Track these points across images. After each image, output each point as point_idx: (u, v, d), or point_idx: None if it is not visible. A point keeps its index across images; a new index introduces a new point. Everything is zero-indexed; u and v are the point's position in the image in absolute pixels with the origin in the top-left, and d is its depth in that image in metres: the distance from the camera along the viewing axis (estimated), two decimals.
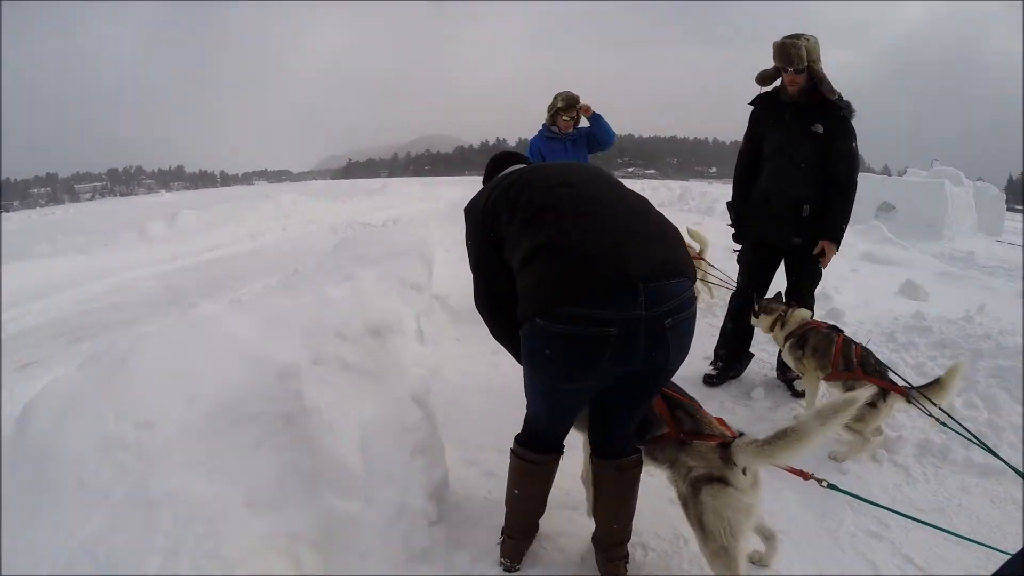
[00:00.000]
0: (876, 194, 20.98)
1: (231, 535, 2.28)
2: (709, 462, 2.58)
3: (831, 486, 2.65)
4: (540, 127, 6.28)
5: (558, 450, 2.81)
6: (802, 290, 4.71)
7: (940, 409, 3.65)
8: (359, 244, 8.30)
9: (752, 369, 5.20)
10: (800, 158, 4.40)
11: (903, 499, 3.55)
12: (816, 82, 4.26)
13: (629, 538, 2.84)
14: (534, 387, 2.62)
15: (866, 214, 19.19)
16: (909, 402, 3.75)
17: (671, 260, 2.35)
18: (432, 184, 37.04)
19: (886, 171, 76.33)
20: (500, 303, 2.69)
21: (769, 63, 4.39)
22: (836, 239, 4.40)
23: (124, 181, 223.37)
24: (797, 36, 4.19)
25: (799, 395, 4.66)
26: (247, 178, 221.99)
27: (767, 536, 2.92)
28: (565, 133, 6.11)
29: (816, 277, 4.71)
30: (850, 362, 3.99)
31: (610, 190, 2.59)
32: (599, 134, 6.17)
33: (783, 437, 2.41)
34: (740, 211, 4.88)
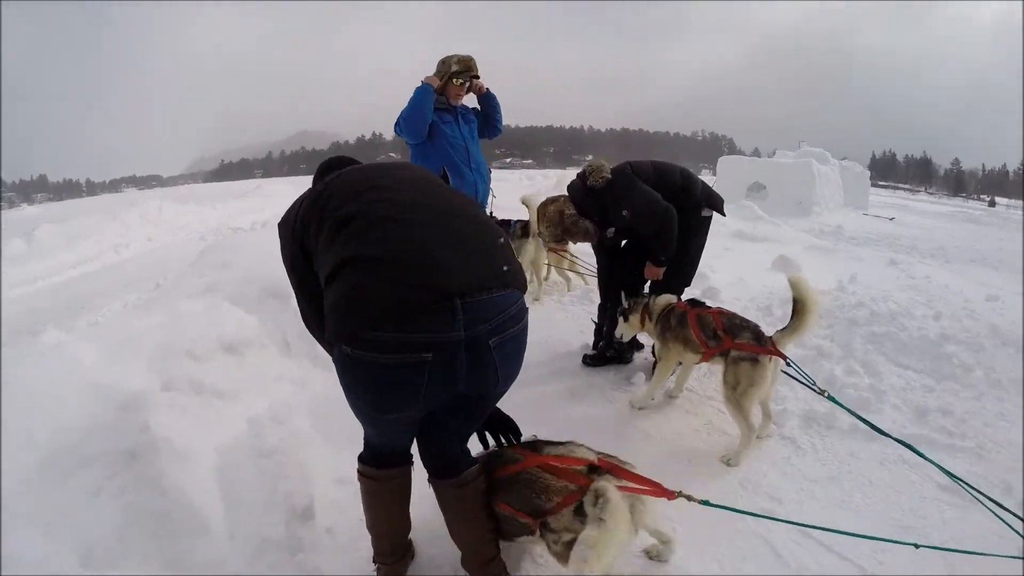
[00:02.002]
0: (746, 175, 22.00)
1: None
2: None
3: (704, 502, 2.51)
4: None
5: (402, 463, 2.55)
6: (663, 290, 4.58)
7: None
8: (223, 251, 7.84)
9: (641, 353, 5.08)
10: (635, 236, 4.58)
11: (793, 471, 3.48)
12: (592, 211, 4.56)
13: (496, 552, 2.57)
14: (356, 413, 2.32)
15: (738, 194, 19.95)
16: (788, 362, 3.59)
17: (494, 270, 2.12)
18: (307, 184, 35.99)
19: (756, 153, 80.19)
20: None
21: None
22: (656, 262, 4.43)
23: None
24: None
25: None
26: (115, 185, 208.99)
27: (663, 540, 2.79)
28: (454, 105, 5.23)
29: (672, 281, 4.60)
30: (713, 333, 3.74)
31: (430, 194, 2.31)
32: (494, 115, 5.48)
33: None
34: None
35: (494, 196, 6.80)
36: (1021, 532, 2.60)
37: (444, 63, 5.12)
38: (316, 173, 2.68)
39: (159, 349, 3.87)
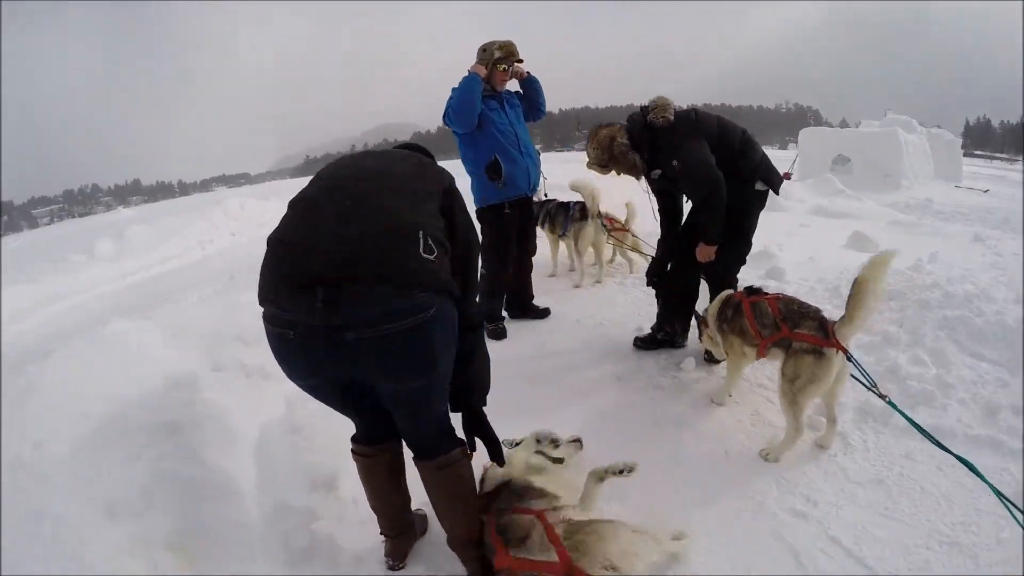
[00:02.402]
0: (830, 148, 21.08)
1: (91, 542, 2.48)
2: None
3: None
4: (456, 87, 5.20)
5: (386, 440, 2.61)
6: (715, 271, 4.49)
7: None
8: None
9: (690, 337, 4.89)
10: (675, 200, 4.58)
11: (837, 471, 3.20)
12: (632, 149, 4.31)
13: (479, 535, 2.61)
14: None
15: (821, 168, 19.23)
16: (848, 358, 3.17)
17: (373, 263, 2.03)
18: None
19: (844, 124, 76.80)
20: None
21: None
22: (707, 240, 4.22)
23: (81, 201, 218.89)
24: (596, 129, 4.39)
25: (713, 360, 4.45)
26: (206, 185, 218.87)
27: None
28: (499, 91, 5.24)
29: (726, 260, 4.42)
30: (771, 321, 3.46)
31: (356, 179, 2.30)
32: (537, 98, 5.48)
33: None
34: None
35: (545, 178, 6.78)
36: None
37: (486, 50, 5.10)
38: None
39: (213, 335, 4.31)
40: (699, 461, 3.39)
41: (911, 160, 19.36)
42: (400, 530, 2.77)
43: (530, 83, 5.41)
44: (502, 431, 3.24)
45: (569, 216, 6.74)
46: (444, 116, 5.12)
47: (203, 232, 17.58)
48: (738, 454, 3.44)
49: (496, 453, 2.76)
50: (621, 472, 2.69)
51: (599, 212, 6.70)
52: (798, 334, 3.27)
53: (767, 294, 3.73)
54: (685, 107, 4.31)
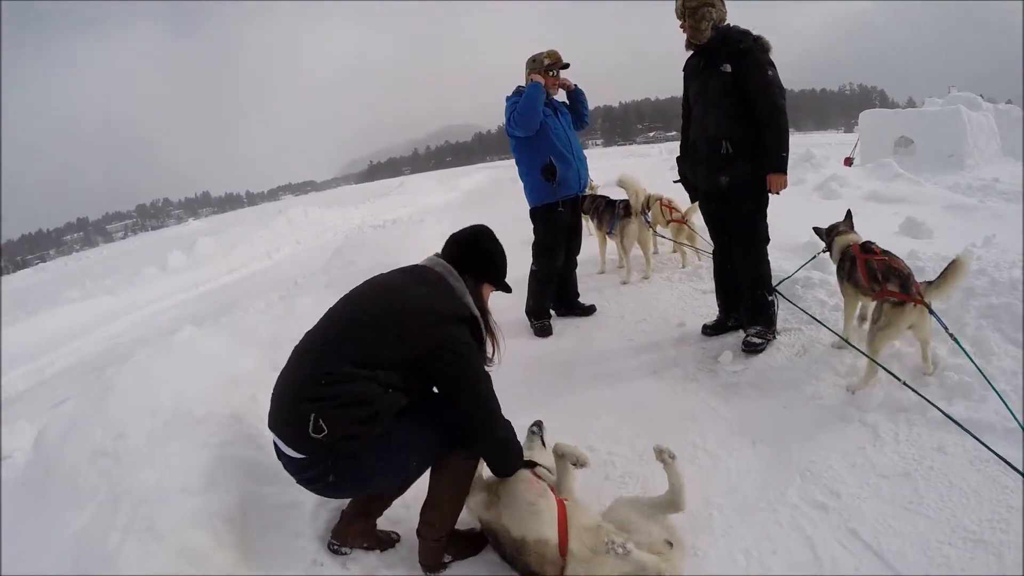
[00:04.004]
0: (891, 129, 20.32)
1: (164, 514, 2.82)
2: None
3: None
4: (512, 94, 5.58)
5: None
6: (743, 244, 4.57)
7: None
8: (350, 250, 8.50)
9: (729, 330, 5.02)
10: (712, 100, 4.45)
11: (864, 463, 3.18)
12: (697, 27, 4.37)
13: (445, 537, 2.87)
14: None
15: (883, 151, 18.68)
16: (929, 310, 3.67)
17: (293, 431, 2.58)
18: (450, 176, 37.15)
19: (911, 104, 73.95)
20: None
21: None
22: (778, 168, 4.26)
23: (153, 215, 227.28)
24: None
25: (753, 350, 4.48)
26: (273, 194, 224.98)
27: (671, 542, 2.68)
28: (552, 97, 5.59)
29: (753, 229, 4.53)
30: (875, 277, 3.90)
31: (321, 333, 2.78)
32: (582, 109, 5.81)
33: None
34: (680, 163, 4.98)
35: (592, 180, 6.95)
36: None
37: (535, 60, 5.45)
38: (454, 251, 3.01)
39: (272, 339, 4.78)
40: (726, 451, 3.46)
41: (976, 139, 18.54)
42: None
43: (577, 95, 5.76)
44: (528, 423, 3.46)
45: (615, 214, 6.87)
46: (508, 122, 5.46)
47: (269, 241, 18.20)
48: (764, 444, 3.48)
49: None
50: (575, 463, 2.96)
51: (644, 208, 6.81)
52: (886, 290, 3.77)
53: (876, 252, 4.09)
54: None
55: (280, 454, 2.68)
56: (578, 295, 6.20)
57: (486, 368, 2.79)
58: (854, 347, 3.97)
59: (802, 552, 2.70)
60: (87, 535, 2.77)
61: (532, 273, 5.76)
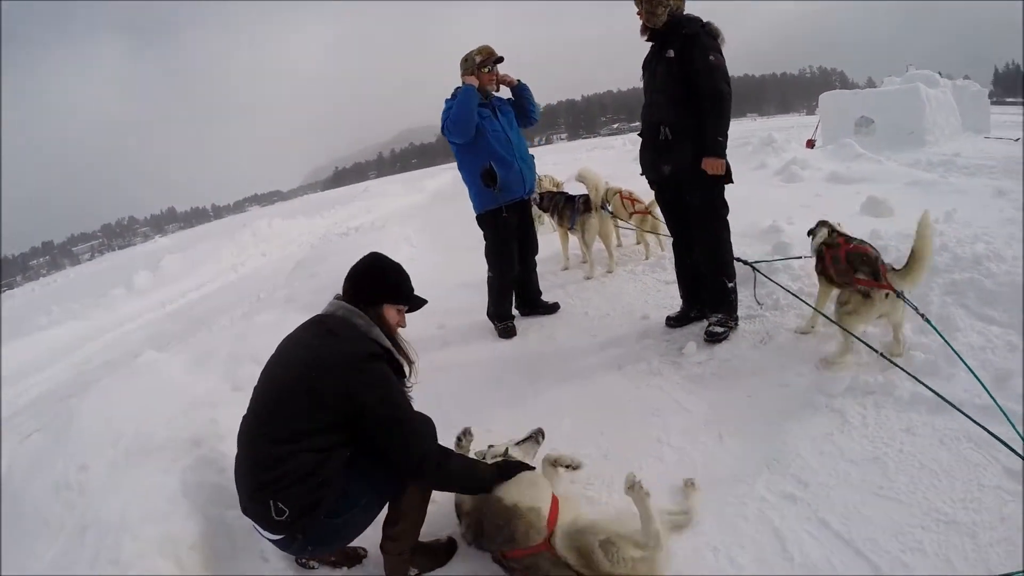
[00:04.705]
0: (851, 110, 20.55)
1: (128, 544, 2.81)
2: None
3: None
4: (450, 96, 5.27)
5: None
6: (703, 230, 4.53)
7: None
8: (312, 262, 8.41)
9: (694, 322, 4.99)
10: (658, 85, 4.43)
11: (832, 450, 3.14)
12: (652, 11, 4.35)
13: (410, 550, 2.85)
14: None
15: (845, 132, 18.86)
16: (898, 295, 3.68)
17: (261, 513, 2.57)
18: (416, 179, 37.03)
19: (870, 84, 74.74)
20: None
21: None
22: (715, 152, 4.22)
23: (119, 234, 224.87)
24: None
25: (715, 339, 4.48)
26: (239, 206, 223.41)
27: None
28: (490, 98, 5.28)
29: (712, 215, 4.49)
30: (842, 268, 3.96)
31: (253, 437, 2.68)
32: (527, 106, 5.49)
33: None
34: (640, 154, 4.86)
35: (540, 178, 6.85)
36: None
37: (467, 60, 5.17)
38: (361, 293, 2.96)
39: (231, 358, 4.77)
40: (694, 443, 3.42)
41: (935, 115, 18.79)
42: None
43: (521, 90, 5.48)
44: (494, 425, 3.37)
45: (575, 209, 6.83)
46: (443, 129, 5.20)
47: (234, 255, 18.11)
48: (731, 436, 3.43)
49: None
50: (568, 466, 3.02)
51: (603, 202, 6.79)
52: (857, 279, 3.82)
53: (847, 242, 4.13)
54: None
55: (260, 533, 2.70)
56: (540, 294, 6.08)
57: (405, 390, 2.86)
58: (832, 321, 3.92)
59: (771, 545, 2.66)
60: (57, 569, 2.81)
61: (488, 279, 5.64)
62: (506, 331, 5.61)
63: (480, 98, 5.14)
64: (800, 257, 5.06)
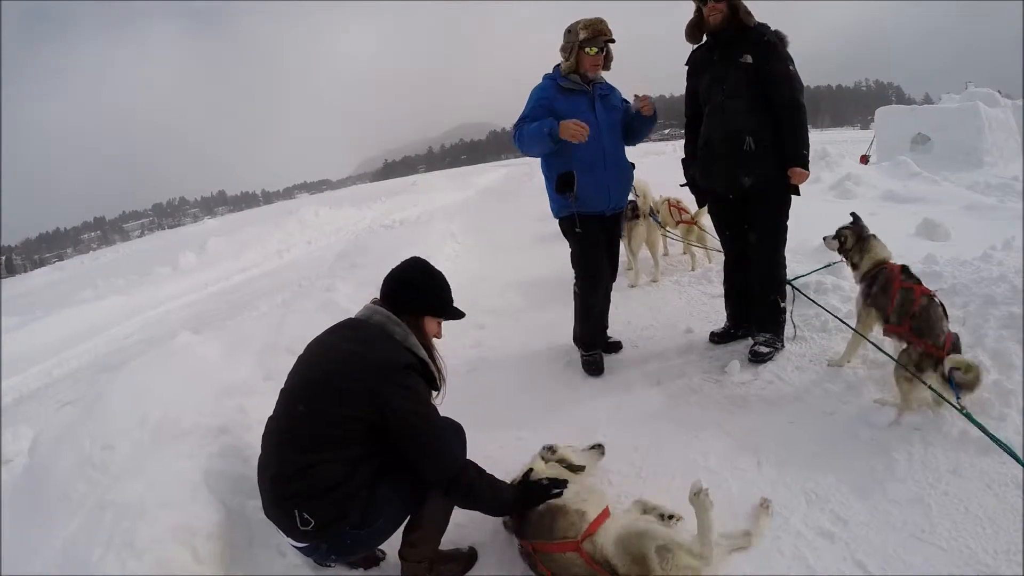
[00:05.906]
0: (907, 127, 20.02)
1: (144, 529, 2.77)
2: None
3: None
4: (545, 76, 4.47)
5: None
6: (763, 247, 4.37)
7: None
8: (354, 253, 8.45)
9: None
10: (732, 91, 4.18)
11: (874, 487, 2.99)
12: (734, 10, 4.10)
13: (431, 557, 2.82)
14: None
15: (900, 149, 18.40)
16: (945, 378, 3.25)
17: (288, 524, 2.55)
18: (463, 175, 37.13)
19: (928, 100, 72.96)
20: None
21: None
22: (799, 163, 4.07)
23: (170, 214, 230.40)
24: None
25: (760, 359, 4.33)
26: (288, 192, 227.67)
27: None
28: (590, 79, 4.33)
29: (776, 231, 4.34)
30: (903, 314, 3.57)
31: (281, 444, 2.64)
32: (642, 133, 4.61)
33: None
34: (689, 164, 4.65)
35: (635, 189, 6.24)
36: None
37: (570, 32, 4.28)
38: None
39: (266, 346, 4.78)
40: (728, 470, 3.31)
41: (994, 136, 18.26)
42: None
43: (650, 123, 4.51)
44: (524, 432, 3.32)
45: (623, 216, 6.64)
46: (514, 138, 4.49)
47: (280, 241, 18.30)
48: (769, 462, 3.31)
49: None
50: (663, 516, 2.83)
51: (652, 210, 6.70)
52: (924, 342, 3.44)
53: (919, 284, 3.77)
54: None
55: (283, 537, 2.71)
56: (605, 327, 5.12)
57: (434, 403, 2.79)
58: (885, 354, 3.71)
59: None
60: (73, 546, 2.79)
61: (574, 293, 4.78)
62: (589, 365, 4.76)
63: (578, 81, 4.31)
64: (831, 264, 4.95)
